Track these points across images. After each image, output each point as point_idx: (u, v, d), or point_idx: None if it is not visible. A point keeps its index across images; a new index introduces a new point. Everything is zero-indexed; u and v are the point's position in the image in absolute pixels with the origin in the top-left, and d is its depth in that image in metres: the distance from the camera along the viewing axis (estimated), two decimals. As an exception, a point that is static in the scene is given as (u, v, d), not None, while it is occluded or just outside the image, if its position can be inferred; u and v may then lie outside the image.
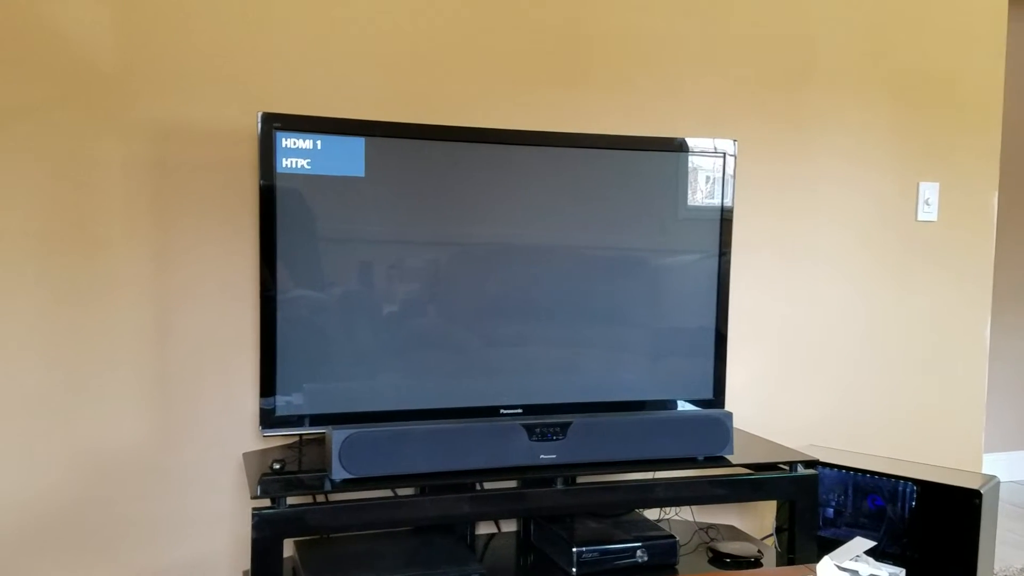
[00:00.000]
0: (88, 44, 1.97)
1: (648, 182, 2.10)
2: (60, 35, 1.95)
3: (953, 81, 2.73)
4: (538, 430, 1.87)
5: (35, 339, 1.97)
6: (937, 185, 2.73)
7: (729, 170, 2.15)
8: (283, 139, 1.82)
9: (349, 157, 1.88)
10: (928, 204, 2.72)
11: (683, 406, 2.15)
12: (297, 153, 1.83)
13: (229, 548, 2.13)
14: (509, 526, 2.31)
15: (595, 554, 1.97)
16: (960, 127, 2.75)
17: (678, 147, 2.11)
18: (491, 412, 2.00)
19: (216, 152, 2.06)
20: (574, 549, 1.95)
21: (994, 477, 2.23)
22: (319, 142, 1.85)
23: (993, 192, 2.81)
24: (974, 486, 2.12)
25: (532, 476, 1.87)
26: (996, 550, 3.00)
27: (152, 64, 2.01)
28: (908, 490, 2.21)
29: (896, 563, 2.19)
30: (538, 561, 2.06)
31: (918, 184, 2.71)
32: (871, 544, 1.59)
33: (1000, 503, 3.60)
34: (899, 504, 2.22)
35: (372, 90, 2.17)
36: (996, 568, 2.84)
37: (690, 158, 2.12)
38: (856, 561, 1.52)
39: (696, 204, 2.14)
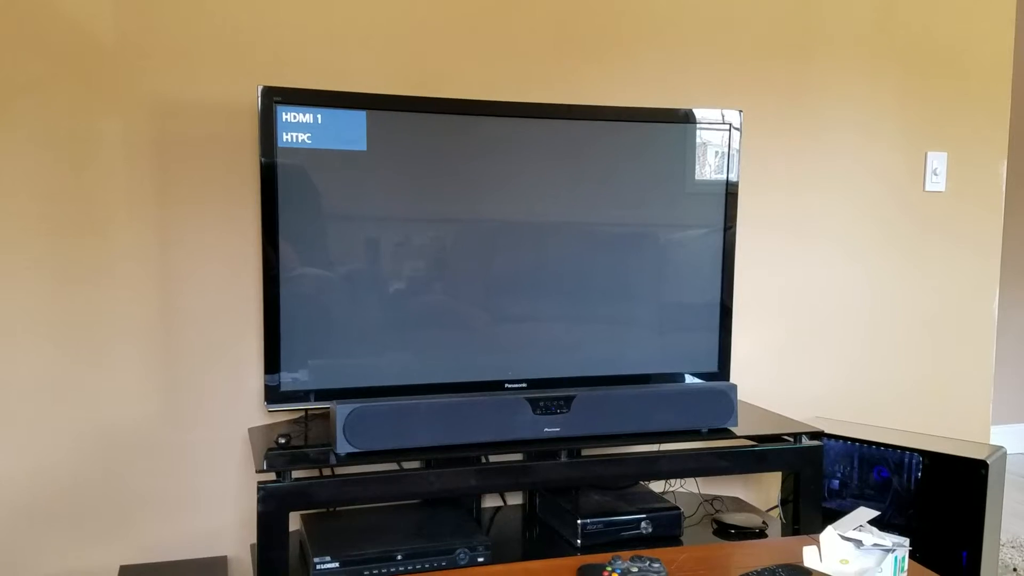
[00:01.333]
0: (87, 19, 1.96)
1: (652, 155, 2.08)
2: (58, 10, 1.94)
3: (962, 49, 2.69)
4: (542, 404, 1.87)
5: (42, 320, 1.97)
6: (945, 155, 2.70)
7: (735, 141, 2.13)
8: (283, 113, 1.81)
9: (351, 131, 1.87)
10: (936, 174, 2.70)
11: (688, 379, 2.15)
12: (298, 127, 1.83)
13: (236, 522, 2.15)
14: (515, 499, 2.32)
15: (600, 526, 1.97)
16: (969, 96, 2.72)
17: (683, 118, 2.09)
18: (496, 387, 2.00)
19: (218, 128, 2.06)
20: (579, 521, 1.96)
21: (1001, 448, 2.22)
22: (320, 116, 1.84)
23: (1002, 161, 2.78)
24: (980, 457, 2.12)
25: (537, 449, 1.87)
26: (1003, 521, 3.00)
27: (152, 38, 2.00)
28: (914, 461, 2.21)
29: (902, 534, 2.20)
30: (544, 533, 2.07)
31: (926, 154, 2.69)
32: (875, 514, 1.59)
33: (1008, 475, 3.60)
34: (905, 475, 2.22)
35: (379, 64, 2.15)
36: (1003, 539, 2.84)
37: (695, 129, 2.10)
38: (860, 531, 1.51)
39: (701, 177, 2.12)
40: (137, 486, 2.07)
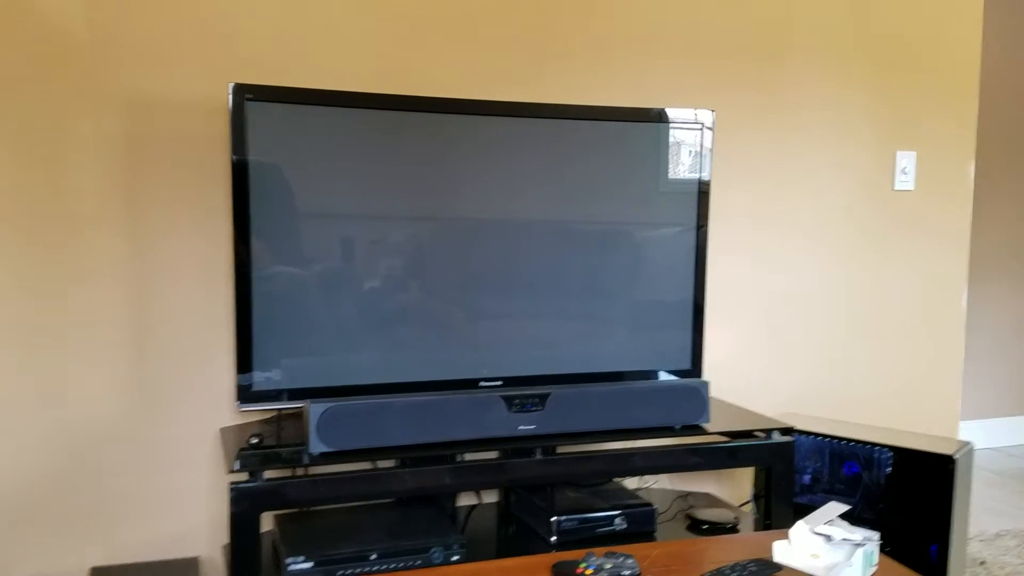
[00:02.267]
0: (59, 15, 1.93)
1: (626, 154, 2.09)
2: (30, 6, 1.91)
3: (930, 49, 2.73)
4: (517, 401, 1.87)
5: (12, 318, 1.95)
6: (914, 154, 2.74)
7: (707, 141, 2.15)
8: (255, 111, 1.80)
9: (324, 129, 1.86)
10: (905, 173, 2.73)
11: (662, 376, 2.16)
12: (270, 125, 1.81)
13: (208, 523, 2.13)
14: (490, 497, 2.32)
15: (574, 523, 1.98)
16: (937, 95, 2.75)
17: (656, 117, 2.11)
18: (470, 384, 2.00)
19: (193, 125, 2.04)
20: (553, 518, 1.97)
21: (968, 443, 2.26)
22: (293, 114, 1.82)
23: (970, 161, 2.82)
24: (948, 452, 2.15)
25: (512, 447, 1.87)
26: (973, 516, 3.05)
27: (125, 35, 1.98)
28: (884, 456, 2.24)
29: (872, 528, 2.22)
30: (519, 531, 2.08)
31: (895, 153, 2.72)
32: (845, 508, 1.61)
33: (978, 470, 3.65)
34: (875, 470, 2.25)
35: (353, 62, 2.14)
36: (971, 533, 2.88)
37: (668, 129, 2.11)
38: (830, 525, 1.53)
39: (674, 176, 2.14)
40: (108, 487, 2.05)
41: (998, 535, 2.87)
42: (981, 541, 2.81)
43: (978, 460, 3.79)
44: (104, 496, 2.05)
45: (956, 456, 2.13)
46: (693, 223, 2.16)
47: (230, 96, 1.77)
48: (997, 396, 4.04)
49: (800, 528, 1.52)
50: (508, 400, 1.86)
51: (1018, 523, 3.02)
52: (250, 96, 1.79)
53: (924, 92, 2.74)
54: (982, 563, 2.62)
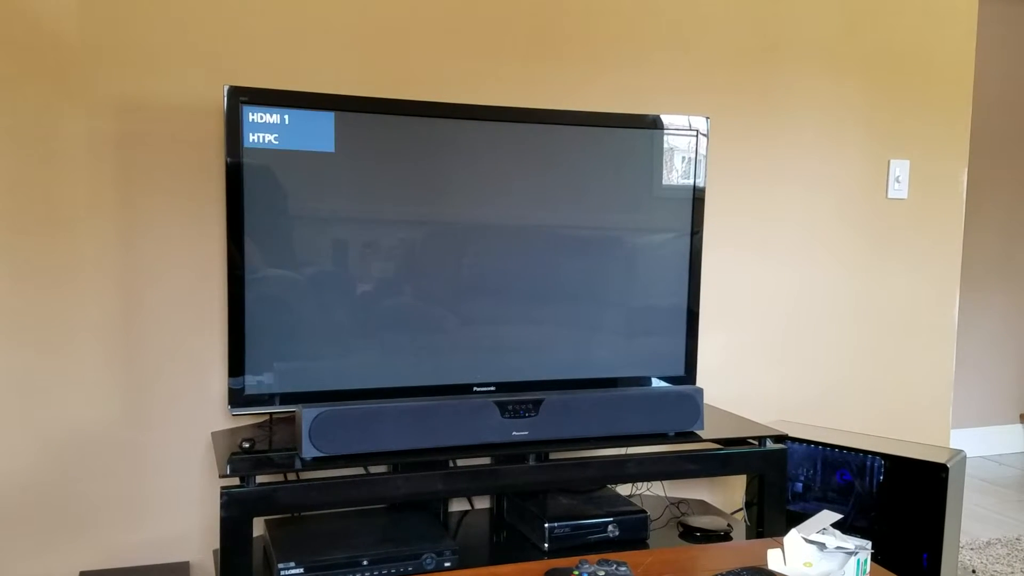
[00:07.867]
0: (52, 17, 1.92)
1: (621, 160, 2.09)
2: (22, 8, 1.90)
3: (924, 58, 2.74)
4: (511, 407, 1.87)
5: (2, 322, 1.94)
6: (908, 162, 2.75)
7: (702, 147, 2.15)
8: (250, 113, 1.79)
9: (318, 132, 1.86)
10: (899, 181, 2.74)
11: (655, 383, 2.16)
12: (265, 128, 1.81)
13: (199, 527, 2.12)
14: (482, 503, 2.31)
15: (567, 529, 1.98)
16: (931, 104, 2.76)
17: (651, 124, 2.11)
18: (464, 390, 2.00)
19: (184, 127, 2.03)
20: (546, 525, 1.96)
21: (960, 451, 2.26)
22: (287, 117, 1.82)
23: (963, 169, 2.83)
24: (941, 460, 2.15)
25: (505, 453, 1.87)
26: (963, 524, 3.05)
27: (118, 36, 1.97)
28: (876, 464, 2.24)
29: (864, 536, 2.22)
30: (511, 537, 2.07)
31: (889, 161, 2.73)
32: (838, 517, 1.61)
33: (968, 478, 3.66)
34: (867, 478, 2.25)
35: (346, 65, 2.14)
36: (962, 541, 2.88)
37: (663, 135, 2.11)
38: (823, 534, 1.53)
39: (669, 183, 2.14)
40: (98, 490, 2.04)
41: (989, 543, 2.88)
42: (972, 549, 2.82)
43: (969, 468, 3.80)
44: (93, 499, 2.03)
45: (949, 464, 2.13)
46: (687, 229, 2.16)
47: (225, 98, 1.77)
48: (988, 404, 4.05)
49: (793, 536, 1.52)
50: (501, 406, 1.86)
51: (1008, 531, 3.02)
52: (245, 99, 1.78)
53: (918, 101, 2.75)
54: (973, 571, 2.62)
